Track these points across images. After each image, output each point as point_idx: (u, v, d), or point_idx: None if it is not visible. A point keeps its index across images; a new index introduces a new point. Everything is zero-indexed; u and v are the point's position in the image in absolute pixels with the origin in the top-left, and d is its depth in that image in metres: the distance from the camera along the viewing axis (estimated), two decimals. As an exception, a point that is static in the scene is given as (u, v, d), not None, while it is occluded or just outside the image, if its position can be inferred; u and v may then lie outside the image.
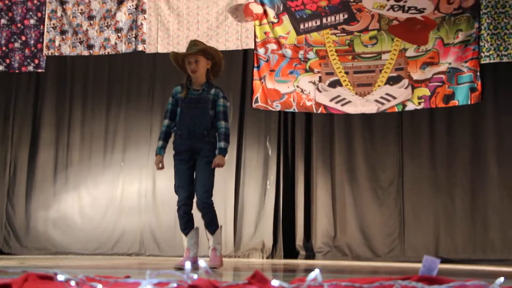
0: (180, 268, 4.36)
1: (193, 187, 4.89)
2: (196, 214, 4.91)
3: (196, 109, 4.85)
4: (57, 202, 7.98)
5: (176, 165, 4.93)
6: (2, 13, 8.28)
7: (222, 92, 4.96)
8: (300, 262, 7.00)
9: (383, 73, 7.53)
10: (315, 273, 2.19)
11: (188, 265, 2.37)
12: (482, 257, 6.97)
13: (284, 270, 5.31)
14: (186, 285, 2.20)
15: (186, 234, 4.86)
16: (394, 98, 7.46)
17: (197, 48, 4.86)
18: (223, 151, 4.83)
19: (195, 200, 4.90)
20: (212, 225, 4.85)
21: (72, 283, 2.33)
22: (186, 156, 4.86)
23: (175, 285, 2.25)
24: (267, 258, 7.39)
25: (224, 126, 4.87)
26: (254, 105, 7.80)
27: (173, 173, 7.87)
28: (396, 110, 7.47)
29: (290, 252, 7.48)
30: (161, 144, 4.98)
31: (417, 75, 7.42)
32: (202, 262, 2.36)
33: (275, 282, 2.20)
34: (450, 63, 7.31)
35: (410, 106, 7.42)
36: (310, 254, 7.43)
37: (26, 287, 2.32)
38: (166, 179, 7.79)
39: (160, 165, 4.99)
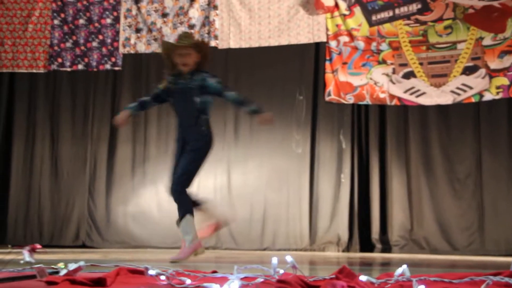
0: (175, 262, 4.42)
1: None
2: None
3: (183, 100, 4.90)
4: (136, 197, 8.18)
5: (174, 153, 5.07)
6: (81, 13, 8.52)
7: (208, 73, 4.96)
8: (376, 255, 6.95)
9: (459, 63, 7.37)
10: (403, 268, 2.20)
11: (274, 260, 2.41)
12: None
13: (360, 263, 5.30)
14: (273, 280, 2.23)
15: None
16: (471, 88, 7.30)
17: (190, 41, 4.87)
18: (259, 110, 4.90)
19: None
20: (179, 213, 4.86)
21: (162, 277, 2.41)
22: (180, 144, 4.96)
23: (262, 279, 2.29)
24: (343, 251, 7.37)
25: (233, 94, 4.93)
26: (327, 98, 7.78)
27: (248, 166, 7.99)
28: (473, 101, 7.30)
29: (366, 245, 7.44)
30: (133, 105, 5.13)
31: (494, 64, 7.23)
32: (289, 258, 2.39)
33: (363, 278, 2.22)
34: (529, 51, 7.10)
35: (488, 96, 7.24)
36: (386, 247, 7.36)
37: (118, 281, 2.41)
38: (241, 174, 7.90)
39: (122, 121, 5.07)
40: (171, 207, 7.98)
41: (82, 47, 8.48)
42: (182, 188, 4.88)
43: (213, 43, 8.15)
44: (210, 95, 4.95)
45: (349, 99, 7.69)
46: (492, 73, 7.23)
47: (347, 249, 7.40)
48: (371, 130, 7.73)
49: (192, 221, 4.82)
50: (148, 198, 8.15)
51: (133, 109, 5.11)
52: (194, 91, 4.88)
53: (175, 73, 4.99)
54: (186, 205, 4.86)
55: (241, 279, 2.25)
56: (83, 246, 8.03)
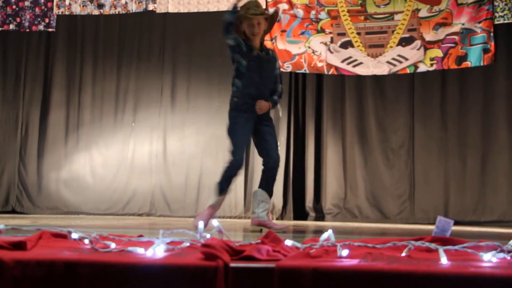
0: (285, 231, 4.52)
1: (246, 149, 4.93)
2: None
3: (267, 70, 4.77)
4: (68, 162, 8.02)
5: (236, 123, 4.74)
6: (12, -29, 8.22)
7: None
8: (310, 223, 7.03)
9: (395, 34, 7.44)
10: (328, 233, 2.20)
11: (201, 224, 2.39)
12: (491, 219, 6.98)
13: (294, 231, 5.34)
14: (199, 245, 2.21)
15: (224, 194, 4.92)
16: (406, 59, 7.39)
17: (262, 11, 4.78)
18: (274, 102, 4.84)
19: None
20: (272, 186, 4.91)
21: (86, 241, 2.35)
22: (251, 116, 4.75)
23: (188, 244, 2.27)
24: (277, 219, 7.41)
25: (281, 89, 4.92)
26: (265, 66, 7.73)
27: (184, 133, 7.88)
28: (408, 72, 7.41)
29: (300, 213, 7.52)
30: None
31: (429, 36, 7.33)
32: (215, 222, 2.37)
33: (288, 242, 2.21)
34: (463, 24, 7.22)
35: (422, 68, 7.35)
36: (320, 215, 7.45)
37: (40, 245, 2.34)
38: (177, 140, 7.83)
39: None
40: (105, 173, 7.94)
41: (14, 6, 8.19)
42: None
43: (151, 7, 7.99)
44: None
45: (287, 67, 7.69)
46: (427, 45, 7.34)
47: (281, 217, 7.46)
48: (308, 99, 7.76)
49: None
50: (82, 164, 8.01)
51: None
52: (275, 64, 4.83)
53: (248, 42, 4.77)
54: None
55: (167, 243, 2.22)
56: (13, 211, 7.85)
